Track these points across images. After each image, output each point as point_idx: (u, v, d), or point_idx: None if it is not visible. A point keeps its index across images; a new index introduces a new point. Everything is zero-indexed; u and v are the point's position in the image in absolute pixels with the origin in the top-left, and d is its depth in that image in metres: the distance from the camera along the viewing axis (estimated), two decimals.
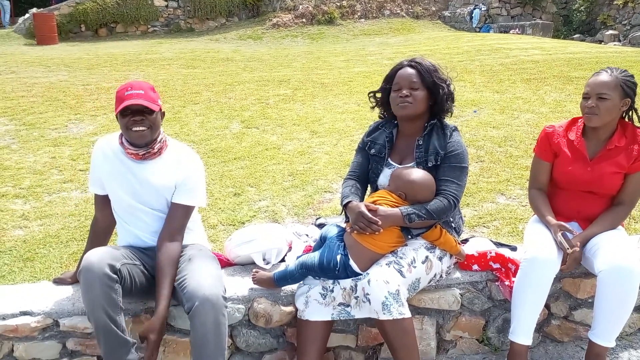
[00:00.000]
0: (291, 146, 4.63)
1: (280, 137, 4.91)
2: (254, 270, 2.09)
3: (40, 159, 4.40)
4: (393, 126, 2.13)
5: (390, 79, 2.09)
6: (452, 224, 2.09)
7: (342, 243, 1.94)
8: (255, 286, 2.05)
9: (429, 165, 2.00)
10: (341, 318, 1.93)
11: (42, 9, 13.88)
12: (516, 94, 6.30)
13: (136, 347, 1.78)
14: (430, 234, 1.96)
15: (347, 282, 1.89)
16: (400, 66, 2.08)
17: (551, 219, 2.10)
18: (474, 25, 15.00)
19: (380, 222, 1.84)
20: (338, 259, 1.89)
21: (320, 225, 2.51)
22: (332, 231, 2.02)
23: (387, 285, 1.78)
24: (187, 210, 1.98)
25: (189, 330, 1.78)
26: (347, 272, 1.89)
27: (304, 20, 14.43)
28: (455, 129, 2.09)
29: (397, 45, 11.67)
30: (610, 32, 14.07)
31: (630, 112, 2.14)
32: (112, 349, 1.72)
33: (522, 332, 2.01)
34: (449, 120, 2.14)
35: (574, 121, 2.24)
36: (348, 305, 1.90)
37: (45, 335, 1.94)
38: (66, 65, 9.05)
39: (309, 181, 3.77)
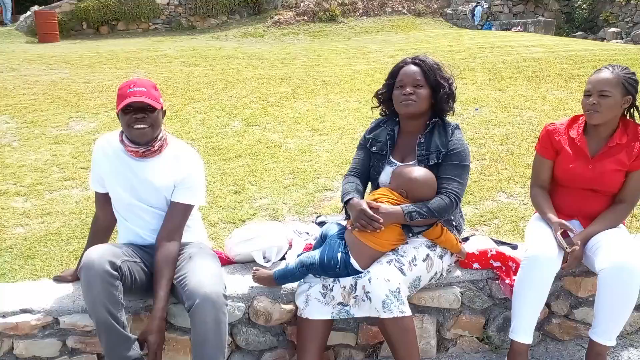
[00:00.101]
0: (292, 144, 4.63)
1: (281, 135, 4.91)
2: (254, 268, 2.08)
3: (42, 156, 4.41)
4: (394, 124, 2.13)
5: (393, 76, 2.08)
6: (453, 222, 2.08)
7: (343, 241, 1.94)
8: (256, 284, 2.05)
9: (431, 163, 1.99)
10: (340, 317, 1.92)
11: (43, 7, 13.87)
12: (518, 91, 6.28)
13: (137, 343, 1.78)
14: (431, 232, 1.96)
15: (347, 281, 1.89)
16: (403, 63, 2.07)
17: (552, 217, 2.09)
18: (476, 23, 14.95)
19: (381, 220, 1.84)
20: (339, 257, 1.89)
21: (321, 224, 2.51)
22: (332, 229, 2.02)
23: (388, 284, 1.78)
24: (186, 209, 1.97)
25: (189, 328, 1.78)
26: (347, 270, 1.89)
27: (305, 17, 14.40)
28: (457, 127, 2.08)
29: (398, 42, 11.64)
30: (613, 29, 14.01)
31: (632, 110, 2.13)
32: (114, 345, 1.72)
33: (523, 331, 2.00)
34: (450, 118, 2.13)
35: (575, 119, 2.23)
36: (347, 305, 1.90)
37: (46, 333, 1.94)
38: (68, 63, 9.05)
39: (309, 179, 3.77)
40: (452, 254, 2.09)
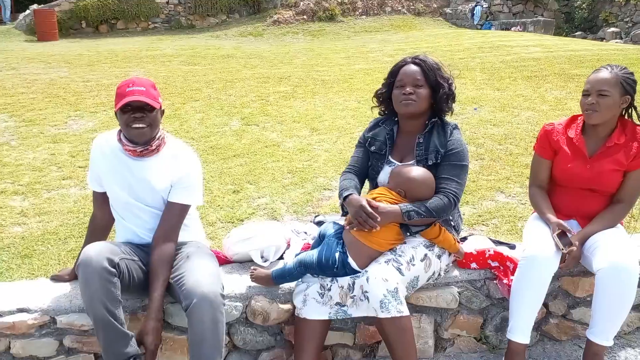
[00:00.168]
0: (291, 143, 4.62)
1: (280, 134, 4.90)
2: (252, 267, 2.08)
3: (40, 155, 4.40)
4: (393, 123, 2.12)
5: (393, 75, 2.08)
6: (452, 222, 2.08)
7: (341, 241, 1.93)
8: (253, 284, 2.05)
9: (429, 163, 1.99)
10: (338, 317, 1.92)
11: (42, 5, 13.85)
12: (517, 91, 6.28)
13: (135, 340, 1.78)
14: (429, 232, 1.96)
15: (344, 281, 1.88)
16: (403, 63, 2.06)
17: (551, 217, 2.09)
18: (476, 23, 14.94)
19: (379, 219, 1.83)
20: (337, 257, 1.88)
21: (319, 223, 2.50)
22: (330, 229, 2.02)
23: (386, 283, 1.78)
24: (182, 209, 1.97)
25: (187, 327, 1.77)
26: (345, 270, 1.88)
27: (304, 17, 14.39)
28: (456, 126, 2.08)
29: (398, 42, 11.63)
30: (612, 29, 14.01)
31: (630, 110, 2.13)
32: (112, 342, 1.72)
33: (520, 331, 2.00)
34: (449, 118, 2.13)
35: (573, 119, 2.23)
36: (344, 305, 1.90)
37: (42, 332, 1.94)
38: (66, 61, 9.03)
39: (308, 179, 3.77)
40: (450, 254, 2.09)
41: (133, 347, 1.75)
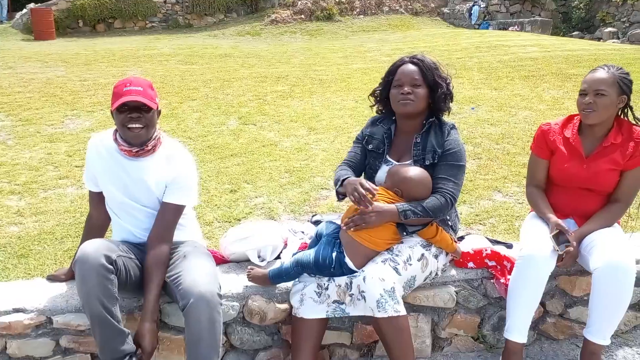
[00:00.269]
0: (288, 143, 4.62)
1: (277, 133, 4.90)
2: (249, 267, 2.08)
3: (36, 155, 4.38)
4: (391, 122, 2.12)
5: (390, 74, 2.07)
6: (449, 222, 2.08)
7: (338, 240, 1.93)
8: (250, 283, 2.04)
9: (427, 163, 1.99)
10: (336, 316, 1.92)
11: (39, 4, 13.80)
12: (514, 91, 6.29)
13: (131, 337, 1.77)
14: (426, 231, 1.95)
15: (342, 280, 1.88)
16: (401, 62, 2.06)
17: (551, 216, 2.09)
18: (473, 22, 14.96)
19: (376, 196, 1.83)
20: (333, 256, 1.88)
21: (317, 222, 2.50)
22: (327, 228, 2.01)
23: (383, 283, 1.78)
24: (177, 210, 1.96)
25: (183, 327, 1.77)
26: (342, 270, 1.88)
27: (302, 16, 14.38)
28: (453, 126, 2.08)
29: (395, 41, 11.64)
30: (609, 29, 14.05)
31: (626, 110, 2.13)
32: (108, 339, 1.71)
33: (518, 330, 2.00)
34: (446, 118, 2.13)
35: (570, 118, 2.23)
36: (342, 303, 1.89)
37: (39, 332, 1.93)
38: (63, 60, 9.00)
39: (305, 178, 3.76)
40: (447, 254, 2.09)
41: (129, 345, 1.74)
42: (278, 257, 2.23)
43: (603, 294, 1.93)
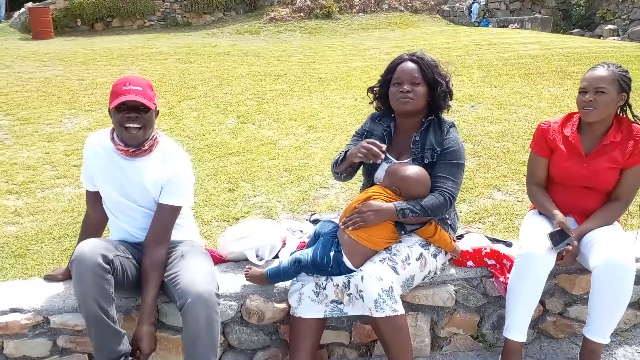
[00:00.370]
0: (287, 141, 4.60)
1: (276, 132, 4.88)
2: (246, 266, 2.07)
3: (34, 154, 4.37)
4: (390, 120, 2.11)
5: (390, 72, 2.06)
6: (448, 221, 2.07)
7: (336, 239, 1.92)
8: (248, 283, 2.03)
9: (425, 162, 1.98)
10: (334, 315, 1.91)
11: (37, 3, 13.76)
12: (514, 88, 6.27)
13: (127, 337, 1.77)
14: (424, 230, 1.94)
15: (340, 279, 1.87)
16: (401, 60, 2.05)
17: (557, 212, 2.07)
18: (473, 20, 14.93)
19: (384, 147, 1.83)
20: (331, 256, 1.87)
21: (315, 221, 2.49)
22: (325, 227, 2.00)
23: (381, 282, 1.77)
24: (174, 211, 1.94)
25: (181, 327, 1.76)
26: (340, 269, 1.87)
27: (301, 14, 14.35)
28: (453, 125, 2.06)
29: (395, 39, 11.62)
30: (610, 26, 14.02)
31: (625, 108, 2.12)
32: (103, 339, 1.71)
33: (517, 329, 2.00)
34: (446, 116, 2.12)
35: (569, 117, 2.22)
36: (340, 303, 1.89)
37: (36, 332, 1.92)
38: (62, 60, 8.99)
39: (304, 177, 3.75)
40: (446, 253, 2.08)
41: (125, 345, 1.74)
42: (276, 257, 2.22)
43: (603, 292, 1.92)
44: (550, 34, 12.13)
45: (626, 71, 2.09)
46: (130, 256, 1.90)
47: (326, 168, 3.91)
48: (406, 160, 2.02)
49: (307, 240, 2.18)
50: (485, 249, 2.19)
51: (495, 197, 3.38)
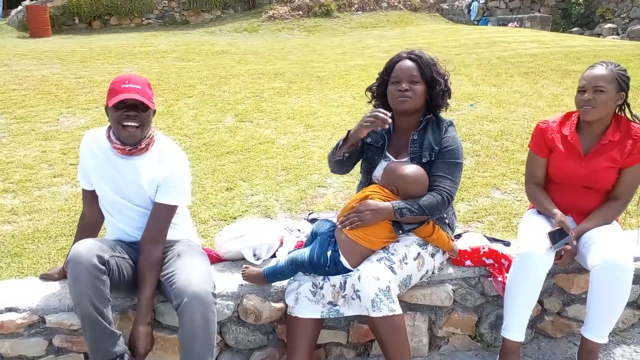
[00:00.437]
0: (285, 140, 4.59)
1: (274, 131, 4.87)
2: (243, 266, 2.06)
3: (31, 153, 4.35)
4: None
5: (388, 70, 2.04)
6: (446, 220, 2.06)
7: (333, 239, 1.91)
8: (245, 282, 2.02)
9: (424, 161, 1.97)
10: (330, 316, 1.90)
11: (35, 1, 13.71)
12: (513, 87, 6.26)
13: (123, 338, 1.76)
14: (422, 230, 1.93)
15: (336, 279, 1.86)
16: (399, 58, 2.03)
17: (556, 212, 2.06)
18: (472, 18, 14.92)
19: (389, 120, 1.83)
20: (328, 255, 1.86)
21: (313, 221, 2.48)
22: (323, 227, 1.99)
23: (378, 282, 1.76)
24: (170, 210, 1.93)
25: (178, 327, 1.75)
26: (337, 269, 1.86)
27: (300, 12, 14.33)
28: (451, 123, 2.05)
29: (394, 38, 11.60)
30: (609, 25, 14.03)
31: (623, 107, 2.12)
32: (99, 341, 1.70)
33: (515, 329, 1.99)
34: (445, 114, 2.10)
35: (567, 116, 2.21)
36: (336, 305, 1.88)
37: (31, 332, 1.91)
38: (59, 58, 8.96)
39: (302, 176, 3.74)
40: (444, 252, 2.07)
41: (121, 347, 1.73)
42: (274, 256, 2.21)
43: (601, 291, 1.91)
44: (550, 33, 12.13)
45: (625, 70, 2.08)
46: (127, 256, 1.89)
47: (324, 167, 3.89)
48: (404, 159, 2.01)
49: (305, 240, 2.17)
50: (484, 248, 2.18)
51: (494, 196, 3.37)
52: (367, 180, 2.10)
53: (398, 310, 1.76)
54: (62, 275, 2.04)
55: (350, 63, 8.30)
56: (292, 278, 1.98)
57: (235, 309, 2.00)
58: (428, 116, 2.03)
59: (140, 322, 1.77)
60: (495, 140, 4.43)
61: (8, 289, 2.02)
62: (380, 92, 2.11)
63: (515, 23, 13.99)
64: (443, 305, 2.12)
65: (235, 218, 3.09)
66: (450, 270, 2.15)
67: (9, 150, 4.43)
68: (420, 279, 2.01)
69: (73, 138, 4.68)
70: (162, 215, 1.91)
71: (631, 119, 2.11)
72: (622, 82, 2.04)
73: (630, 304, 2.26)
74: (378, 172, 2.04)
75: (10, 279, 2.39)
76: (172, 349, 1.97)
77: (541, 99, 5.72)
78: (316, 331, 1.95)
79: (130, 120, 1.82)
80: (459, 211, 3.10)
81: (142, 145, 1.90)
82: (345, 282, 1.84)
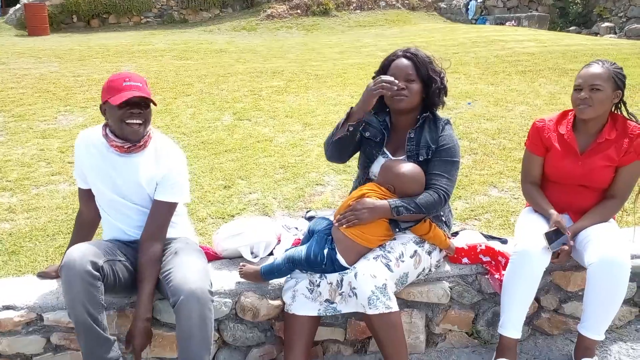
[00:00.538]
0: (283, 138, 4.59)
1: (272, 129, 4.87)
2: (240, 264, 2.06)
3: (29, 151, 4.34)
4: (386, 114, 2.10)
5: (384, 69, 2.04)
6: (442, 218, 2.06)
7: (330, 237, 1.91)
8: (243, 280, 2.03)
9: (420, 159, 1.97)
10: (327, 314, 1.91)
11: (33, 0, 13.68)
12: (511, 86, 6.27)
13: (117, 344, 1.76)
14: (419, 227, 1.94)
15: (333, 277, 1.87)
16: (395, 56, 2.03)
17: (552, 212, 2.07)
18: (470, 17, 14.92)
19: (398, 82, 1.84)
20: (325, 253, 1.87)
21: (311, 219, 2.48)
22: (320, 224, 2.00)
23: (374, 280, 1.76)
24: (169, 208, 1.93)
25: (175, 324, 1.75)
26: (334, 266, 1.87)
27: (298, 11, 14.30)
28: (448, 122, 2.05)
29: (392, 36, 11.60)
30: (606, 24, 14.05)
31: (619, 105, 2.12)
32: (93, 347, 1.70)
33: (512, 326, 2.00)
34: (443, 113, 2.11)
35: (564, 114, 2.21)
36: (333, 302, 1.88)
37: (29, 329, 1.91)
38: (57, 56, 8.93)
39: (300, 174, 3.74)
40: (440, 250, 2.08)
41: (115, 352, 1.73)
42: (271, 254, 2.21)
43: (598, 289, 1.92)
44: (547, 32, 12.14)
45: (621, 68, 2.08)
46: (123, 258, 1.88)
47: (322, 165, 3.90)
48: (401, 158, 2.01)
49: (302, 238, 2.18)
50: (481, 245, 2.19)
51: (491, 194, 3.38)
52: (364, 175, 2.10)
53: (394, 307, 1.77)
54: (59, 273, 2.04)
55: (348, 62, 8.30)
56: (289, 276, 1.98)
57: (232, 306, 2.01)
58: (425, 114, 2.03)
59: (139, 318, 1.77)
60: (492, 138, 4.43)
61: (6, 287, 2.02)
62: None
63: (513, 22, 14.00)
64: (440, 302, 2.13)
65: (232, 216, 3.10)
66: (447, 267, 2.16)
67: (7, 148, 4.43)
68: (417, 277, 2.01)
69: (71, 136, 4.68)
70: (161, 212, 1.91)
71: (627, 117, 2.12)
72: (618, 81, 2.05)
73: (627, 301, 2.27)
74: (376, 168, 2.04)
75: (7, 276, 2.40)
76: (170, 347, 1.98)
77: (538, 98, 5.73)
78: (313, 328, 1.95)
79: (135, 117, 1.82)
80: (456, 209, 3.11)
81: (141, 143, 1.90)
82: (342, 280, 1.84)
